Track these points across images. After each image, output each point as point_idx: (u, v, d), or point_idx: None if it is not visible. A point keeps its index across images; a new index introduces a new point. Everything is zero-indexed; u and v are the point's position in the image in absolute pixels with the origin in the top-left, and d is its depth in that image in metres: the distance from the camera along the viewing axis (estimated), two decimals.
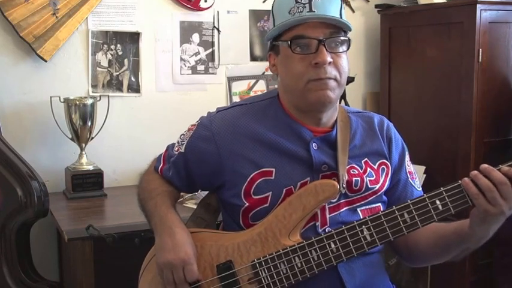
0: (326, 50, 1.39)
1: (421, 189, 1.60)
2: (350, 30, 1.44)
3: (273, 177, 1.45)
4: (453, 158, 2.88)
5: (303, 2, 1.40)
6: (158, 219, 1.50)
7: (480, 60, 2.75)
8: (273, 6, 1.49)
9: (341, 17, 1.42)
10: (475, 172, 1.33)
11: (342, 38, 1.42)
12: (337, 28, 1.42)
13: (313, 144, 1.47)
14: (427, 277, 2.89)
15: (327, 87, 1.41)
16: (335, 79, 1.41)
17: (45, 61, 2.69)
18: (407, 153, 1.60)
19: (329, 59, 1.39)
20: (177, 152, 1.56)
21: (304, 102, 1.45)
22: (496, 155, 2.83)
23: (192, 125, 1.57)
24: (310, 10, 1.39)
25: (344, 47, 1.43)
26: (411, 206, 1.37)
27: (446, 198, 1.35)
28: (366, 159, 1.51)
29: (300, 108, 1.47)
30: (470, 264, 2.78)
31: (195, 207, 1.70)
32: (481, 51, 2.74)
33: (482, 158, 2.80)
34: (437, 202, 1.36)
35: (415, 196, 1.56)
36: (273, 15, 1.47)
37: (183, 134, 1.58)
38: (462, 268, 2.79)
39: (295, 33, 1.41)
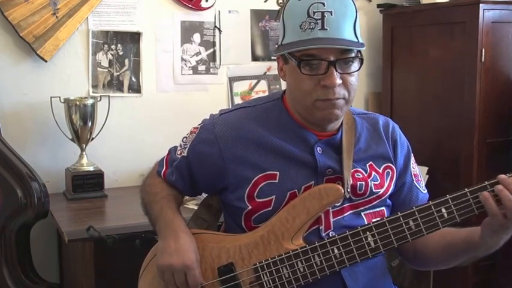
0: (336, 71, 1.34)
1: (426, 191, 1.58)
2: (363, 47, 1.38)
3: (277, 181, 1.43)
4: (456, 158, 2.87)
5: (315, 17, 1.33)
6: (163, 223, 1.48)
7: (483, 60, 2.74)
8: (284, 10, 1.42)
9: (355, 33, 1.36)
10: (500, 187, 1.29)
11: (353, 56, 1.37)
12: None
13: (318, 148, 1.45)
14: (430, 278, 2.87)
15: (334, 107, 1.38)
16: (343, 98, 1.38)
17: (46, 61, 2.68)
18: (412, 155, 1.58)
19: (338, 80, 1.35)
20: (179, 156, 1.54)
21: (311, 117, 1.42)
22: (498, 156, 2.82)
23: (194, 128, 1.55)
24: (323, 28, 1.33)
25: (356, 65, 1.39)
26: (416, 213, 1.36)
27: (452, 206, 1.34)
28: (371, 162, 1.49)
29: (306, 119, 1.45)
30: (472, 266, 2.77)
31: (196, 208, 1.69)
32: (484, 51, 2.74)
33: (485, 159, 2.80)
34: (443, 210, 1.34)
35: (420, 199, 1.55)
36: (283, 20, 1.41)
37: (186, 137, 1.56)
38: (465, 269, 2.78)
39: (304, 52, 1.35)
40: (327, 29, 1.33)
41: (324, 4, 1.34)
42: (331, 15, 1.33)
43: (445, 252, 1.46)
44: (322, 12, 1.33)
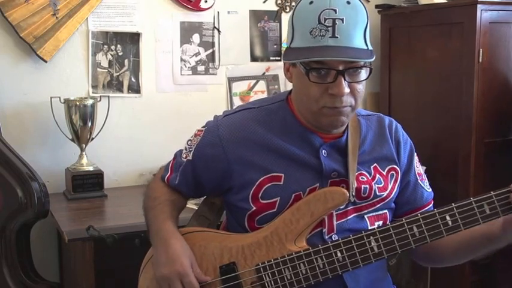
0: (345, 80, 1.33)
1: (430, 190, 1.59)
2: (373, 57, 1.36)
3: (281, 183, 1.43)
4: (454, 158, 2.88)
5: (326, 24, 1.31)
6: (154, 230, 1.48)
7: (480, 60, 2.75)
8: (294, 12, 1.40)
9: (365, 40, 1.35)
10: None
11: (362, 64, 1.36)
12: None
13: (323, 151, 1.45)
14: (427, 277, 2.89)
15: (341, 114, 1.38)
16: (350, 105, 1.38)
17: (46, 62, 2.68)
18: (415, 154, 1.58)
19: (346, 89, 1.34)
20: (185, 159, 1.54)
21: (316, 122, 1.42)
22: (496, 156, 2.83)
23: (198, 131, 1.55)
24: (333, 36, 1.31)
25: (364, 74, 1.38)
26: (421, 220, 1.36)
27: (457, 214, 1.35)
28: (375, 164, 1.50)
29: (311, 123, 1.45)
30: (470, 265, 2.78)
31: (195, 207, 1.69)
32: (481, 51, 2.74)
33: (483, 159, 2.81)
34: (447, 218, 1.35)
35: (426, 197, 1.56)
36: (292, 23, 1.39)
37: (190, 140, 1.55)
38: (462, 268, 2.78)
39: (313, 60, 1.33)
40: (337, 37, 1.31)
41: (335, 11, 1.32)
42: (343, 22, 1.32)
43: (462, 248, 1.46)
44: (334, 20, 1.31)
